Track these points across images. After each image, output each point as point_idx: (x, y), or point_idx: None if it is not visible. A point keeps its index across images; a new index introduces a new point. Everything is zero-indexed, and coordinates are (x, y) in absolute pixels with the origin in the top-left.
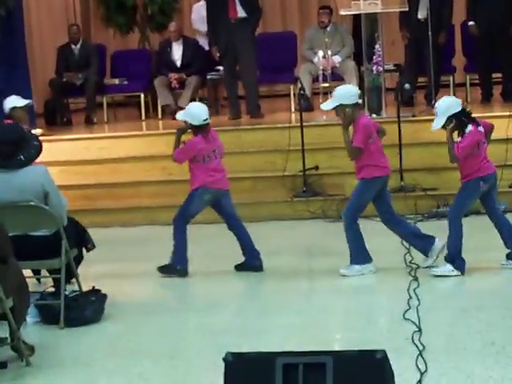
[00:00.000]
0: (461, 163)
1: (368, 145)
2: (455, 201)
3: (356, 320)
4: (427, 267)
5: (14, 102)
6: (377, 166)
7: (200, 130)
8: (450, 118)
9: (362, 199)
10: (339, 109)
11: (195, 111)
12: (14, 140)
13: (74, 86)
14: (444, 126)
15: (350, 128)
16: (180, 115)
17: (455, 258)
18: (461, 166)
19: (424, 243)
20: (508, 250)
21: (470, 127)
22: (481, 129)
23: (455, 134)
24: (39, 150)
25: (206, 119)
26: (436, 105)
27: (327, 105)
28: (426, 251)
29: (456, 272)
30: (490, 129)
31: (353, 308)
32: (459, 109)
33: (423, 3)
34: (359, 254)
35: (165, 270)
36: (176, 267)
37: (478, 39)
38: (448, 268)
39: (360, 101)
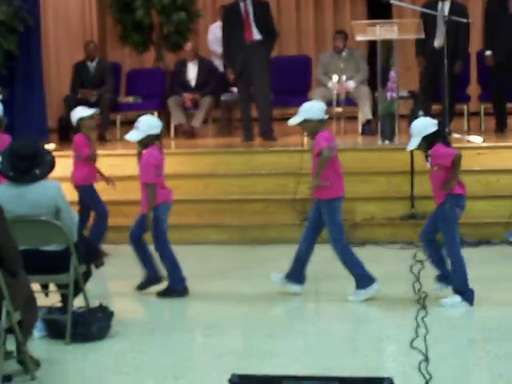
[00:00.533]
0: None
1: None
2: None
3: (363, 346)
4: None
5: (80, 112)
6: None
7: (158, 139)
8: (424, 139)
9: (335, 221)
10: (305, 124)
11: (153, 121)
12: (30, 155)
13: (88, 102)
14: (419, 147)
15: None
16: (141, 132)
17: (463, 289)
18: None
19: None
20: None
21: (436, 145)
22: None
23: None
24: (53, 164)
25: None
26: (412, 125)
27: (293, 120)
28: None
29: (465, 303)
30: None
31: (360, 334)
32: (434, 129)
33: (440, 31)
34: (363, 278)
35: (163, 293)
36: (175, 288)
37: (494, 69)
38: (456, 300)
39: (326, 117)
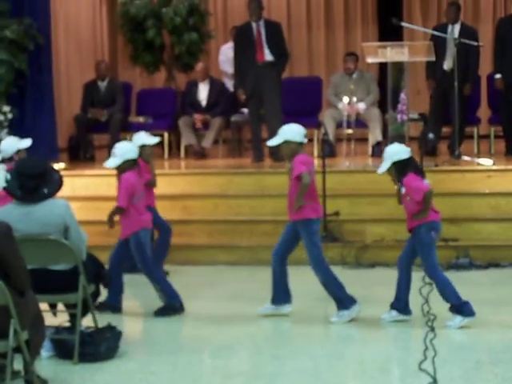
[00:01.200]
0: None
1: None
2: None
3: (371, 368)
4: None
5: (143, 139)
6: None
7: (135, 164)
8: (395, 164)
9: (314, 243)
10: (284, 145)
11: (129, 146)
12: (38, 173)
13: (98, 122)
14: (389, 172)
15: None
16: (117, 158)
17: (459, 304)
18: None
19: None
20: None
21: (408, 175)
22: (425, 182)
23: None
24: (61, 183)
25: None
26: (385, 149)
27: (273, 141)
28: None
29: (467, 319)
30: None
31: (368, 356)
32: (405, 156)
33: (450, 54)
34: (344, 299)
35: (160, 312)
36: (171, 304)
37: (504, 92)
38: (459, 319)
39: (305, 140)
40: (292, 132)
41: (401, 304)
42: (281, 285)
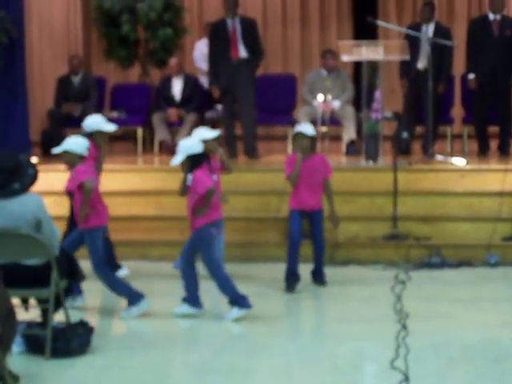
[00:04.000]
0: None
1: None
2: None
3: (343, 365)
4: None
5: (203, 134)
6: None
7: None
8: (189, 158)
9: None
10: (65, 154)
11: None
12: (8, 168)
13: (72, 116)
14: (183, 165)
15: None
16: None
17: (236, 298)
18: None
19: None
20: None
21: (198, 169)
22: (215, 177)
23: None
24: (34, 178)
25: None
26: (180, 143)
27: (176, 159)
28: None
29: (244, 310)
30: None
31: (340, 353)
32: (199, 151)
33: (424, 53)
34: (132, 296)
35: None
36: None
37: (477, 92)
38: (236, 311)
39: (86, 154)
40: (75, 144)
41: (191, 297)
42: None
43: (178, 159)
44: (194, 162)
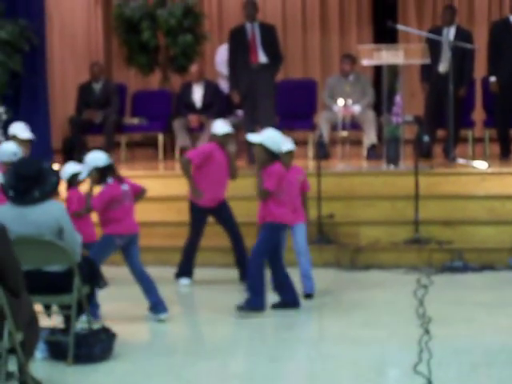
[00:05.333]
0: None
1: None
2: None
3: (366, 371)
4: None
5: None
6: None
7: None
8: (95, 170)
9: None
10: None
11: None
12: (30, 176)
13: (93, 123)
14: (91, 177)
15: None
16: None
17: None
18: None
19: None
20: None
21: (110, 181)
22: (124, 187)
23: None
24: (56, 186)
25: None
26: (87, 156)
27: (82, 174)
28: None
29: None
30: (140, 192)
31: (363, 358)
32: (103, 164)
33: (445, 56)
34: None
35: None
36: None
37: (498, 95)
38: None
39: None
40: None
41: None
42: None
43: (84, 174)
44: (101, 174)
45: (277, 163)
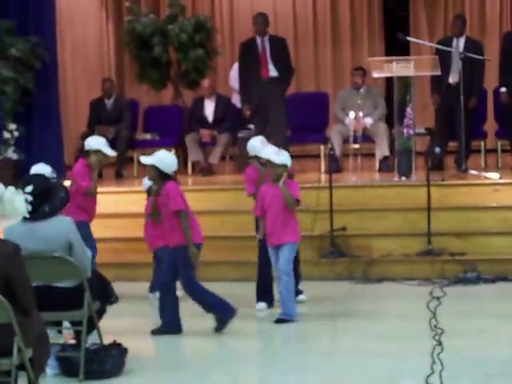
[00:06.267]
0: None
1: None
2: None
3: (379, 382)
4: None
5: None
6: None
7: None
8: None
9: None
10: None
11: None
12: (39, 191)
13: (105, 139)
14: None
15: None
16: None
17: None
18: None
19: None
20: None
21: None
22: None
23: None
24: (65, 201)
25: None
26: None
27: None
28: None
29: None
30: None
31: (375, 370)
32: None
33: (455, 68)
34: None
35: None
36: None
37: (509, 105)
38: None
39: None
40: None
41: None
42: None
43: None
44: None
45: (171, 182)
